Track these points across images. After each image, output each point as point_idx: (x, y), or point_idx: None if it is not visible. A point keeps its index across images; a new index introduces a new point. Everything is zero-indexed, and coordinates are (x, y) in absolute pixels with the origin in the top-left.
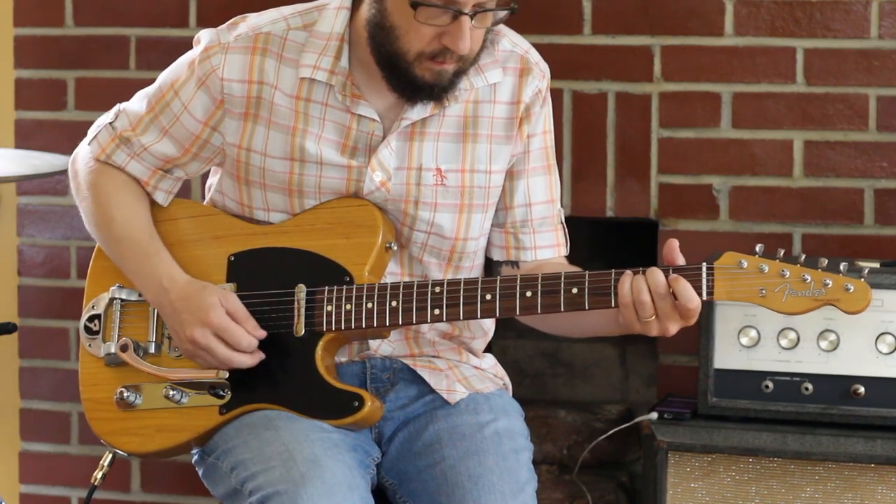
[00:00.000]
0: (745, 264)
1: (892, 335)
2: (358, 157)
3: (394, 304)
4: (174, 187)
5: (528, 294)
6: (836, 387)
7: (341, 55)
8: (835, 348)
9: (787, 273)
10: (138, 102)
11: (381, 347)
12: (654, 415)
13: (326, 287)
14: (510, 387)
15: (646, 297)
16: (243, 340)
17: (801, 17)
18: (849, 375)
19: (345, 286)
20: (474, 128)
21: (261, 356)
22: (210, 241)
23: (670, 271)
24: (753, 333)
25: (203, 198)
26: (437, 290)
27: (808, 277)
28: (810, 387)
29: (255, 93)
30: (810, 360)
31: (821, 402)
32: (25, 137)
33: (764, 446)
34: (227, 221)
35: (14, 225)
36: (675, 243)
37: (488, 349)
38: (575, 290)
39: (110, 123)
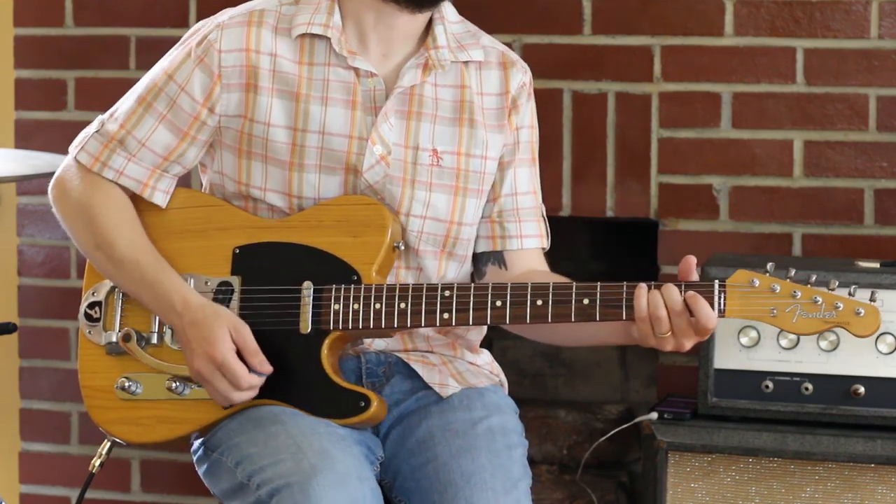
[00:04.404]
0: (757, 283)
1: (892, 335)
2: (365, 117)
3: (402, 305)
4: (171, 186)
5: (539, 303)
6: (836, 387)
7: (333, 12)
8: (835, 348)
9: (799, 294)
10: (125, 102)
11: (374, 342)
12: (654, 415)
13: (334, 285)
14: (506, 384)
15: (662, 312)
16: (243, 382)
17: (801, 17)
18: (849, 375)
19: (353, 285)
20: (470, 113)
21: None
22: (215, 233)
23: (683, 287)
24: (753, 333)
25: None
26: (447, 293)
27: (820, 299)
28: (810, 387)
29: (253, 62)
30: (810, 360)
31: (821, 402)
32: (25, 137)
33: (764, 446)
34: (233, 213)
35: (14, 225)
36: (692, 260)
37: (489, 348)
38: (586, 301)
39: (97, 131)
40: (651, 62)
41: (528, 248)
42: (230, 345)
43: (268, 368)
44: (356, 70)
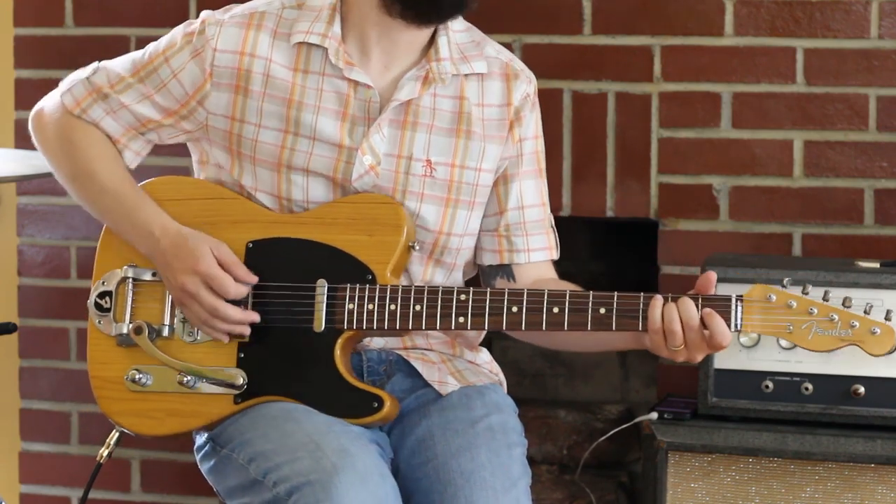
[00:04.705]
0: (774, 298)
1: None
2: (356, 130)
3: (417, 308)
4: (144, 150)
5: (556, 310)
6: (836, 387)
7: (334, 22)
8: None
9: (815, 311)
10: (122, 64)
11: (374, 340)
12: (654, 415)
13: (348, 284)
14: (505, 383)
15: (677, 326)
16: (231, 289)
17: (801, 17)
18: (849, 375)
19: (367, 285)
20: (468, 125)
21: (255, 317)
22: (228, 226)
23: (699, 300)
24: (754, 333)
25: None
26: (463, 297)
27: (836, 317)
28: (810, 387)
29: (246, 65)
30: (810, 360)
31: (821, 402)
32: (25, 137)
33: (764, 446)
34: (247, 206)
35: (14, 225)
36: (713, 276)
37: (488, 347)
38: (603, 311)
39: (87, 78)
40: (651, 62)
41: (536, 261)
42: (213, 258)
43: (252, 278)
44: (352, 81)
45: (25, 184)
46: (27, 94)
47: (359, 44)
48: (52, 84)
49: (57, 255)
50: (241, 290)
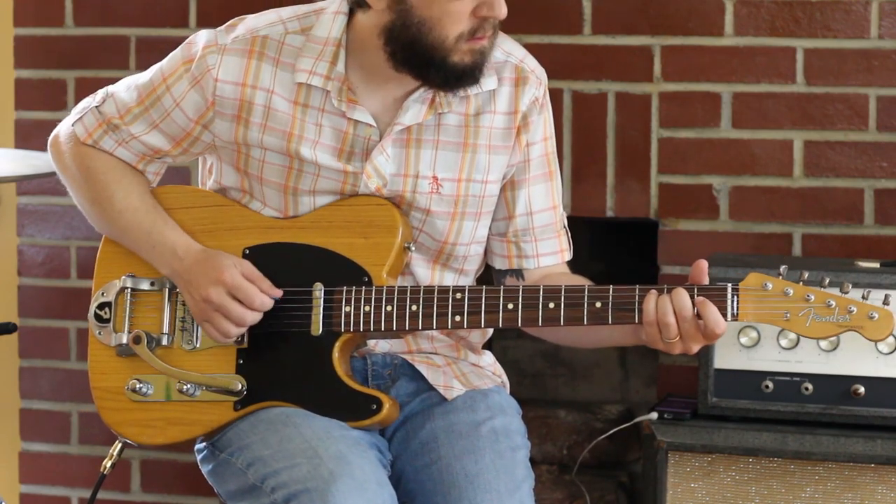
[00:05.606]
0: (770, 286)
1: (893, 335)
2: (354, 161)
3: (414, 308)
4: (161, 169)
5: (552, 305)
6: (836, 387)
7: (338, 60)
8: (835, 348)
9: (812, 297)
10: (128, 91)
11: (379, 344)
12: (654, 415)
13: (345, 287)
14: (508, 385)
15: (671, 318)
16: (256, 299)
17: (801, 17)
18: (849, 375)
19: (364, 287)
20: (475, 138)
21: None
22: (224, 233)
23: (695, 291)
24: (753, 333)
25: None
26: (459, 296)
27: (833, 303)
28: (810, 387)
29: (248, 97)
30: (810, 360)
31: (821, 402)
32: (25, 137)
33: (764, 446)
34: (243, 213)
35: (14, 225)
36: (704, 265)
37: (489, 347)
38: (598, 304)
39: (97, 107)
40: (651, 62)
41: (546, 265)
42: (238, 271)
43: (277, 292)
44: (353, 120)
45: (25, 184)
46: (27, 94)
47: (365, 76)
48: (53, 84)
49: (57, 255)
50: (267, 302)
